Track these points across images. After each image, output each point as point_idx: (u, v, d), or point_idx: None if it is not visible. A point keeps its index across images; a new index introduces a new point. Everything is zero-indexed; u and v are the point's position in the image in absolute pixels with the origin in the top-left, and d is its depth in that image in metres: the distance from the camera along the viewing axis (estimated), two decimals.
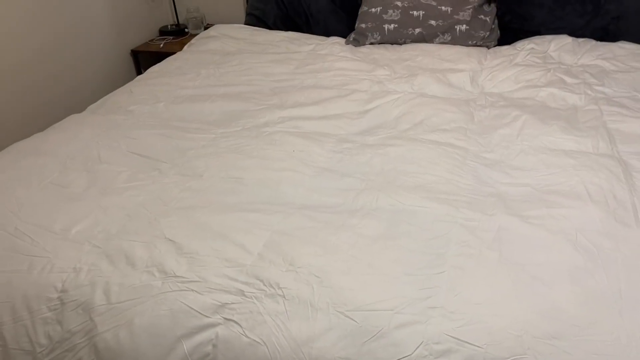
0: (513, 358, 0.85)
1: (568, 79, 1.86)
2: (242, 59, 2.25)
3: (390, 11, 2.38)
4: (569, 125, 1.52)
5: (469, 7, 2.32)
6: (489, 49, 2.28)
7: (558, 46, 2.12)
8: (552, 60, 2.05)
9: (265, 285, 1.01)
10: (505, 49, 2.21)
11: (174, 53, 2.55)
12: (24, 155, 1.56)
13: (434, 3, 2.34)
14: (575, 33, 2.21)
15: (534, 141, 1.46)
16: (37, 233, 1.21)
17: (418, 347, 0.88)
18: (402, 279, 0.99)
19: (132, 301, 1.03)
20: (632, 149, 1.39)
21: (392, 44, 2.38)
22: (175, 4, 3.15)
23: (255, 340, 0.94)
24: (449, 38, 2.32)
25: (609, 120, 1.55)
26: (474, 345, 0.87)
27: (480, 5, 2.34)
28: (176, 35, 3.12)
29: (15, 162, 1.51)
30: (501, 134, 1.52)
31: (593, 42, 2.14)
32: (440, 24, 2.32)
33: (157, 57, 2.87)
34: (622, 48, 2.06)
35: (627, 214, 1.14)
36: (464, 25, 2.30)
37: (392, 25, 2.36)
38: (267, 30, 2.61)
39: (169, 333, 0.98)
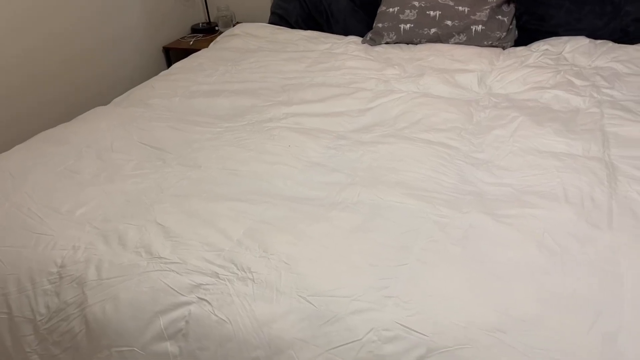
0: (456, 347, 0.89)
1: (577, 81, 1.84)
2: (260, 57, 2.33)
3: (407, 11, 2.40)
4: (564, 128, 1.51)
5: (487, 7, 2.31)
6: (504, 49, 2.27)
7: (573, 48, 2.09)
8: (565, 62, 2.03)
9: (239, 269, 1.09)
10: (519, 49, 2.20)
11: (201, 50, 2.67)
12: (47, 142, 1.69)
13: (451, 3, 2.35)
14: (594, 34, 2.17)
15: (525, 142, 1.46)
16: (46, 214, 1.32)
17: (368, 332, 0.93)
18: (365, 269, 1.04)
19: (119, 278, 1.12)
20: (625, 153, 1.38)
21: (407, 43, 2.41)
22: (207, 3, 3.27)
23: (222, 319, 1.01)
24: (464, 38, 2.32)
25: (608, 124, 1.53)
26: (421, 333, 0.91)
27: (499, 6, 2.33)
28: (206, 33, 3.24)
29: (37, 148, 1.65)
30: (495, 134, 1.53)
31: (610, 44, 2.10)
32: (456, 24, 2.32)
33: (187, 53, 2.98)
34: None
35: (600, 217, 1.14)
36: (480, 26, 2.30)
37: (408, 25, 2.39)
38: (289, 29, 2.69)
39: (148, 308, 1.07)
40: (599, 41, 2.13)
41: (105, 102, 2.11)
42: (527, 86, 1.87)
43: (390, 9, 2.44)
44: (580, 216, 1.14)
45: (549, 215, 1.15)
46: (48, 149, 1.64)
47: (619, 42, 2.13)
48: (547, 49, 2.12)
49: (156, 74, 3.05)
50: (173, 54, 3.16)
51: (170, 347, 1.04)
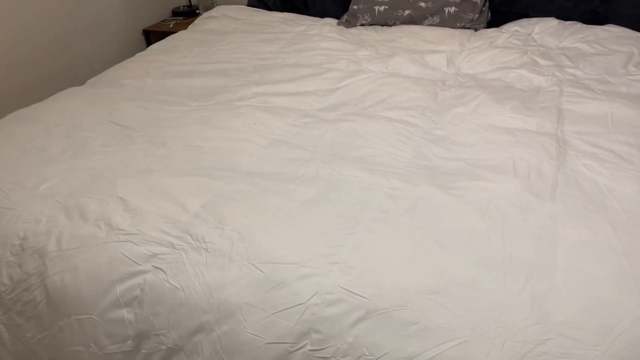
0: (393, 309, 0.92)
1: (542, 61, 1.87)
2: (235, 39, 2.35)
3: None
4: (522, 105, 1.55)
5: None
6: (476, 31, 2.30)
7: (542, 29, 2.12)
8: (534, 43, 2.06)
9: (193, 240, 1.12)
10: (490, 31, 2.23)
11: None
12: (18, 121, 1.71)
13: None
14: (564, 15, 2.20)
15: (483, 119, 1.50)
16: (12, 189, 1.35)
17: (313, 296, 0.97)
18: (314, 238, 1.08)
19: (78, 249, 1.15)
20: (577, 129, 1.42)
21: (382, 25, 2.43)
22: None
23: (175, 286, 1.05)
24: (438, 20, 2.34)
25: (566, 101, 1.57)
26: (361, 296, 0.95)
27: None
28: (187, 16, 3.25)
29: (8, 127, 1.67)
30: (456, 112, 1.57)
31: (579, 24, 2.13)
32: (429, 5, 2.35)
33: (167, 36, 3.00)
34: (607, 31, 2.04)
35: (544, 188, 1.18)
36: (453, 8, 2.32)
37: (383, 7, 2.41)
38: (266, 11, 2.70)
39: (106, 277, 1.10)
40: (568, 22, 2.17)
41: (76, 82, 2.12)
42: (494, 66, 1.91)
43: None
44: (524, 187, 1.18)
45: (496, 187, 1.18)
46: (17, 127, 1.66)
47: (588, 24, 2.15)
48: (516, 30, 2.15)
49: None
50: (153, 36, 3.17)
51: (126, 314, 1.08)
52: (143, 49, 3.15)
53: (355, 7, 2.46)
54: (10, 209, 1.29)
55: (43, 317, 1.17)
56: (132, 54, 3.04)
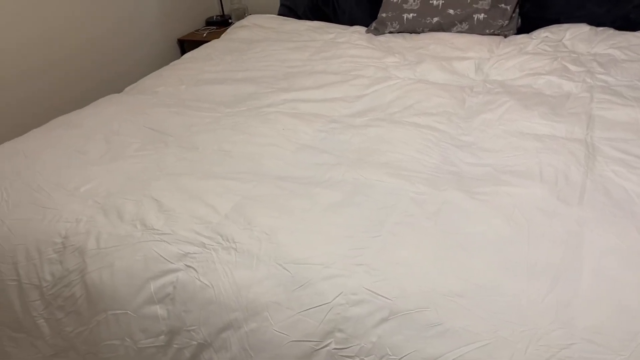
0: (417, 310, 0.94)
1: (573, 67, 1.86)
2: (265, 47, 2.41)
3: (411, 0, 2.44)
4: (550, 112, 1.54)
5: None
6: (505, 37, 2.29)
7: (573, 35, 2.11)
8: (564, 49, 2.04)
9: (224, 240, 1.16)
10: (520, 37, 2.22)
11: None
12: (61, 127, 1.80)
13: None
14: (595, 22, 2.17)
15: (511, 125, 1.50)
16: (54, 190, 1.42)
17: (337, 296, 1.00)
18: (339, 240, 1.11)
19: (115, 247, 1.21)
20: (607, 135, 1.41)
21: (410, 32, 2.45)
22: None
23: (205, 284, 1.09)
24: (466, 27, 2.35)
25: (596, 107, 1.56)
26: (385, 297, 0.97)
27: None
28: (220, 26, 3.33)
29: (51, 131, 1.76)
30: (483, 118, 1.57)
31: (611, 31, 2.10)
32: (458, 12, 2.35)
33: (201, 45, 3.10)
34: (639, 37, 2.01)
35: (572, 194, 1.18)
36: (482, 14, 2.32)
37: (412, 15, 2.43)
38: (296, 20, 2.76)
39: (141, 275, 1.16)
40: (600, 28, 2.14)
41: (115, 91, 2.21)
42: (524, 73, 1.90)
43: None
44: (551, 193, 1.18)
45: (522, 192, 1.19)
46: (61, 132, 1.75)
47: (620, 30, 2.12)
48: (546, 36, 2.14)
49: None
50: (187, 45, 3.26)
51: (159, 310, 1.12)
52: (178, 58, 3.28)
53: (383, 15, 2.49)
54: (53, 209, 1.36)
55: (82, 312, 1.23)
56: (168, 63, 3.16)
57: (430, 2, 2.40)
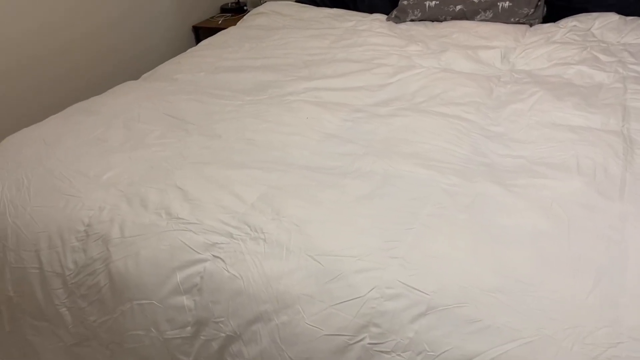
0: (455, 305, 0.91)
1: (603, 57, 1.81)
2: (284, 34, 2.36)
3: None
4: (583, 102, 1.50)
5: None
6: (531, 26, 2.24)
7: (602, 24, 2.05)
8: (593, 39, 1.99)
9: (252, 230, 1.13)
10: (546, 26, 2.16)
11: None
12: (80, 113, 1.77)
13: None
14: (624, 10, 2.11)
15: (543, 116, 1.46)
16: (76, 177, 1.40)
17: (371, 290, 0.97)
18: (372, 232, 1.08)
19: (140, 236, 1.19)
20: None
21: (432, 21, 2.40)
22: None
23: (234, 275, 1.06)
24: (491, 15, 2.29)
25: (631, 98, 1.51)
26: (421, 291, 0.94)
27: None
28: (235, 13, 3.29)
29: (70, 118, 1.73)
30: (513, 108, 1.53)
31: None
32: (482, 0, 2.29)
33: (216, 32, 3.05)
34: None
35: (612, 188, 1.14)
36: (507, 2, 2.27)
37: (434, 2, 2.38)
38: (315, 7, 2.71)
39: (167, 264, 1.13)
40: (629, 18, 2.08)
41: (137, 78, 2.18)
42: (552, 62, 1.85)
43: None
44: (590, 186, 1.14)
45: (559, 185, 1.15)
46: (80, 118, 1.72)
47: None
48: (575, 25, 2.08)
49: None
50: (202, 32, 3.22)
51: (186, 300, 1.10)
52: (193, 45, 3.24)
53: (405, 2, 2.43)
54: (75, 196, 1.34)
55: (106, 301, 1.21)
56: (183, 50, 3.11)
57: None
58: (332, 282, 0.99)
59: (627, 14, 2.10)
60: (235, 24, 2.95)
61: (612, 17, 2.07)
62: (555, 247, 0.99)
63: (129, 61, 2.77)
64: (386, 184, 1.23)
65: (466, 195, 1.16)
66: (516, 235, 1.02)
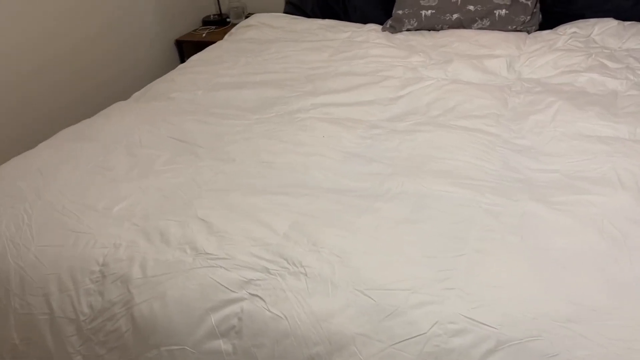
0: (527, 339, 0.86)
1: (610, 64, 1.80)
2: (280, 47, 2.29)
3: None
4: (606, 111, 1.48)
5: None
6: (529, 33, 2.23)
7: (602, 30, 2.05)
8: (595, 45, 1.99)
9: (289, 264, 1.06)
10: (546, 33, 2.16)
11: (215, 42, 2.63)
12: (73, 139, 1.66)
13: None
14: (622, 16, 2.13)
15: (568, 127, 1.43)
16: (83, 211, 1.29)
17: (433, 326, 0.90)
18: (421, 261, 1.01)
19: (165, 275, 1.10)
20: None
21: (429, 30, 2.37)
22: None
23: (277, 315, 0.98)
24: (488, 23, 2.28)
25: None
26: (488, 325, 0.88)
27: None
28: (218, 25, 3.20)
29: (64, 145, 1.62)
30: (534, 120, 1.50)
31: None
32: (478, 9, 2.28)
33: (200, 46, 2.95)
34: None
35: None
36: (504, 10, 2.25)
37: (430, 11, 2.35)
38: (305, 19, 2.65)
39: (198, 306, 1.04)
40: (627, 23, 2.09)
41: (120, 97, 2.07)
42: (558, 70, 1.84)
43: None
44: (637, 201, 1.11)
45: (606, 201, 1.12)
46: (75, 145, 1.61)
47: None
48: (575, 32, 2.08)
49: (169, 67, 3.03)
50: (186, 46, 3.12)
51: (223, 345, 1.02)
52: (176, 59, 3.14)
53: (400, 12, 2.40)
54: (85, 233, 1.23)
55: (128, 348, 1.11)
56: (166, 65, 3.03)
57: None
58: (389, 319, 0.93)
59: (624, 19, 2.12)
60: (220, 37, 2.87)
61: (611, 23, 2.08)
62: (618, 269, 0.95)
63: (111, 78, 2.65)
64: (423, 206, 1.17)
65: (511, 216, 1.11)
66: (575, 258, 0.98)
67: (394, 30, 2.40)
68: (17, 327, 1.23)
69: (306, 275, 1.03)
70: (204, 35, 3.09)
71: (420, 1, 2.36)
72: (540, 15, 2.31)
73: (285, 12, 2.81)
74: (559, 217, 1.09)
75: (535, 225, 1.08)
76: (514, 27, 2.26)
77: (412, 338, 0.90)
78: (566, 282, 0.93)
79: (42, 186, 1.41)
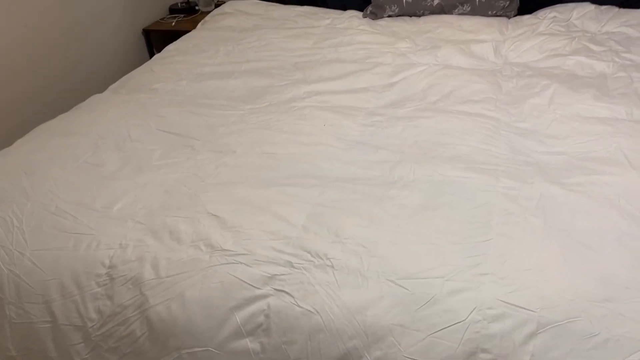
0: (567, 321, 0.86)
1: (594, 47, 1.84)
2: (261, 35, 2.23)
3: None
4: (600, 93, 1.51)
5: None
6: (509, 18, 2.26)
7: (581, 14, 2.10)
8: (576, 29, 2.03)
9: (313, 257, 1.02)
10: (527, 18, 2.19)
11: (186, 31, 2.53)
12: (53, 135, 1.56)
13: None
14: (598, 0, 2.18)
15: (567, 110, 1.45)
16: (79, 211, 1.22)
17: (471, 312, 0.90)
18: (449, 248, 1.01)
19: (181, 275, 1.04)
20: None
21: (410, 16, 2.36)
22: None
23: (308, 310, 0.95)
24: (469, 9, 2.29)
25: None
26: (528, 309, 0.88)
27: None
28: (187, 13, 3.08)
29: (45, 142, 1.51)
30: (532, 103, 1.52)
31: (616, 9, 2.11)
32: None
33: (169, 35, 2.84)
34: None
35: None
36: None
37: None
38: (283, 5, 2.58)
39: (221, 305, 1.00)
40: (603, 7, 2.14)
41: (90, 89, 1.96)
42: (544, 54, 1.86)
43: None
44: None
45: (619, 181, 1.14)
46: (58, 141, 1.51)
47: (622, 7, 2.14)
48: (555, 16, 2.11)
49: (137, 57, 2.91)
50: (154, 36, 3.00)
51: (250, 343, 0.98)
52: (144, 49, 3.01)
53: None
54: (86, 234, 1.16)
55: (143, 352, 1.06)
56: (134, 55, 2.90)
57: None
58: (425, 308, 0.91)
59: (600, 3, 2.17)
60: (190, 26, 2.77)
61: (589, 7, 2.13)
62: None
63: (78, 69, 2.51)
64: (440, 192, 1.16)
65: (529, 199, 1.11)
66: (600, 238, 1.00)
67: (375, 16, 2.37)
68: (13, 337, 1.15)
69: (333, 267, 1.00)
70: (173, 24, 2.97)
71: None
72: (518, 1, 2.34)
73: None
74: (576, 198, 1.10)
75: (554, 207, 1.09)
76: (494, 12, 2.28)
77: (451, 326, 0.89)
78: (595, 262, 0.95)
79: (30, 187, 1.31)
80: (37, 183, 1.32)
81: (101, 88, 1.98)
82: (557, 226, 1.03)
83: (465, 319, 0.89)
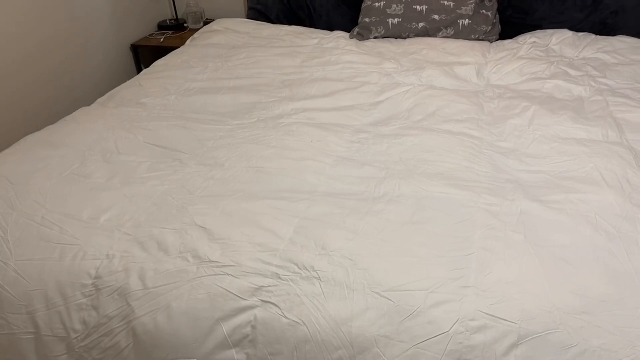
0: (547, 332, 0.89)
1: (571, 71, 1.91)
2: (249, 53, 2.26)
3: (394, 5, 2.41)
4: (577, 115, 1.57)
5: (471, 1, 2.36)
6: (491, 42, 2.33)
7: (559, 40, 2.18)
8: (554, 54, 2.10)
9: (300, 269, 1.04)
10: (507, 42, 2.26)
11: (174, 48, 2.56)
12: (40, 147, 1.56)
13: None
14: (575, 27, 2.27)
15: (546, 130, 1.50)
16: (65, 222, 1.22)
17: (454, 324, 0.92)
18: (433, 261, 1.03)
19: (168, 286, 1.05)
20: (638, 138, 1.45)
21: (395, 37, 2.42)
22: None
23: (294, 321, 0.96)
24: (452, 32, 2.36)
25: (616, 110, 1.60)
26: (509, 321, 0.91)
27: (481, 0, 2.38)
28: (175, 30, 3.12)
29: (32, 153, 1.51)
30: (513, 123, 1.56)
31: (593, 36, 2.20)
32: (443, 18, 2.36)
33: (157, 51, 2.87)
34: (622, 42, 2.12)
35: None
36: (467, 20, 2.34)
37: (397, 19, 2.40)
38: (271, 25, 2.63)
39: (207, 316, 1.00)
40: (581, 33, 2.23)
41: (77, 102, 1.97)
42: (524, 77, 1.93)
43: (376, 4, 2.44)
44: (624, 198, 1.18)
45: (595, 199, 1.18)
46: (44, 152, 1.51)
47: (598, 34, 2.23)
48: (534, 42, 2.19)
49: (126, 72, 2.93)
50: (142, 51, 3.02)
51: (236, 354, 0.98)
52: (131, 65, 3.03)
53: (367, 19, 2.44)
54: (71, 245, 1.16)
55: None
56: (122, 70, 2.92)
57: (414, 7, 2.39)
58: (409, 320, 0.93)
59: (577, 30, 2.26)
60: (178, 42, 2.81)
61: (567, 34, 2.21)
62: (616, 262, 1.01)
63: (66, 83, 2.52)
64: (424, 207, 1.19)
65: (510, 215, 1.15)
66: (577, 253, 1.03)
67: (361, 37, 2.43)
68: None
69: (319, 279, 1.02)
70: (161, 40, 2.99)
71: (387, 9, 2.41)
72: (499, 26, 2.42)
73: (249, 17, 2.78)
74: (554, 214, 1.14)
75: (534, 222, 1.12)
76: (477, 36, 2.35)
77: (434, 337, 0.91)
78: (573, 276, 0.98)
79: (15, 197, 1.31)
80: (23, 193, 1.32)
81: (89, 101, 1.99)
82: (537, 241, 1.06)
83: (448, 330, 0.91)
